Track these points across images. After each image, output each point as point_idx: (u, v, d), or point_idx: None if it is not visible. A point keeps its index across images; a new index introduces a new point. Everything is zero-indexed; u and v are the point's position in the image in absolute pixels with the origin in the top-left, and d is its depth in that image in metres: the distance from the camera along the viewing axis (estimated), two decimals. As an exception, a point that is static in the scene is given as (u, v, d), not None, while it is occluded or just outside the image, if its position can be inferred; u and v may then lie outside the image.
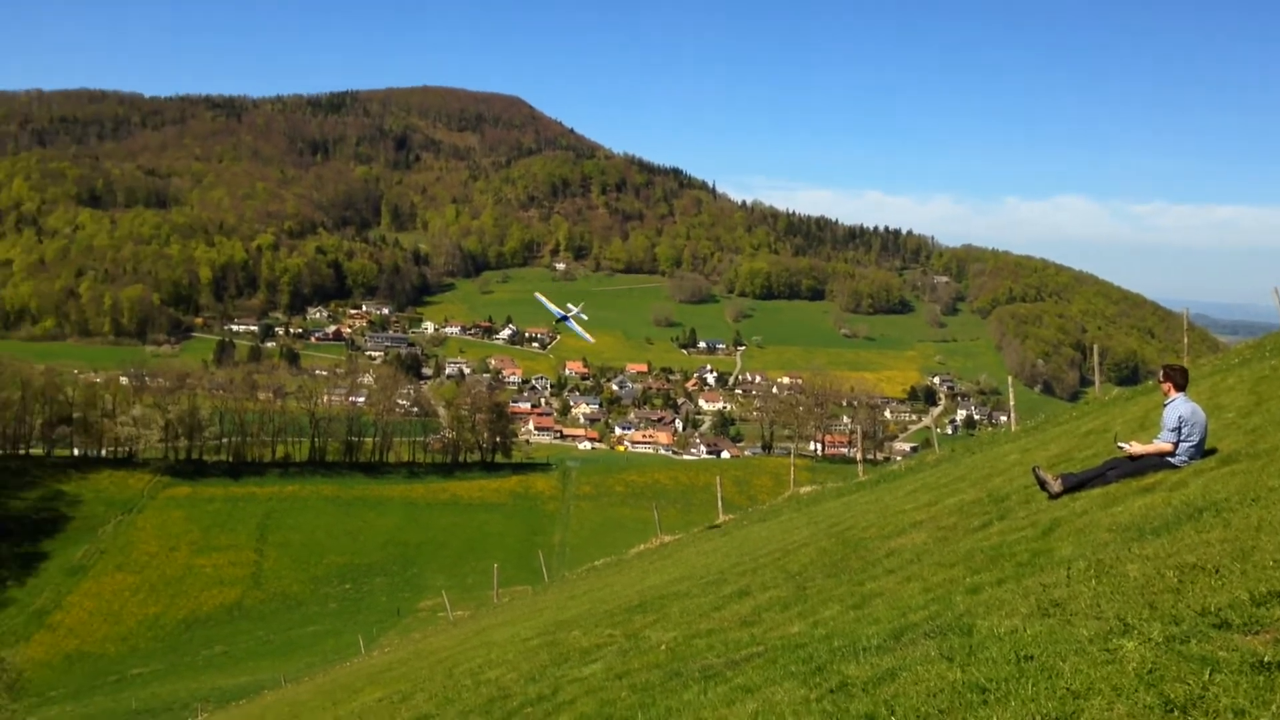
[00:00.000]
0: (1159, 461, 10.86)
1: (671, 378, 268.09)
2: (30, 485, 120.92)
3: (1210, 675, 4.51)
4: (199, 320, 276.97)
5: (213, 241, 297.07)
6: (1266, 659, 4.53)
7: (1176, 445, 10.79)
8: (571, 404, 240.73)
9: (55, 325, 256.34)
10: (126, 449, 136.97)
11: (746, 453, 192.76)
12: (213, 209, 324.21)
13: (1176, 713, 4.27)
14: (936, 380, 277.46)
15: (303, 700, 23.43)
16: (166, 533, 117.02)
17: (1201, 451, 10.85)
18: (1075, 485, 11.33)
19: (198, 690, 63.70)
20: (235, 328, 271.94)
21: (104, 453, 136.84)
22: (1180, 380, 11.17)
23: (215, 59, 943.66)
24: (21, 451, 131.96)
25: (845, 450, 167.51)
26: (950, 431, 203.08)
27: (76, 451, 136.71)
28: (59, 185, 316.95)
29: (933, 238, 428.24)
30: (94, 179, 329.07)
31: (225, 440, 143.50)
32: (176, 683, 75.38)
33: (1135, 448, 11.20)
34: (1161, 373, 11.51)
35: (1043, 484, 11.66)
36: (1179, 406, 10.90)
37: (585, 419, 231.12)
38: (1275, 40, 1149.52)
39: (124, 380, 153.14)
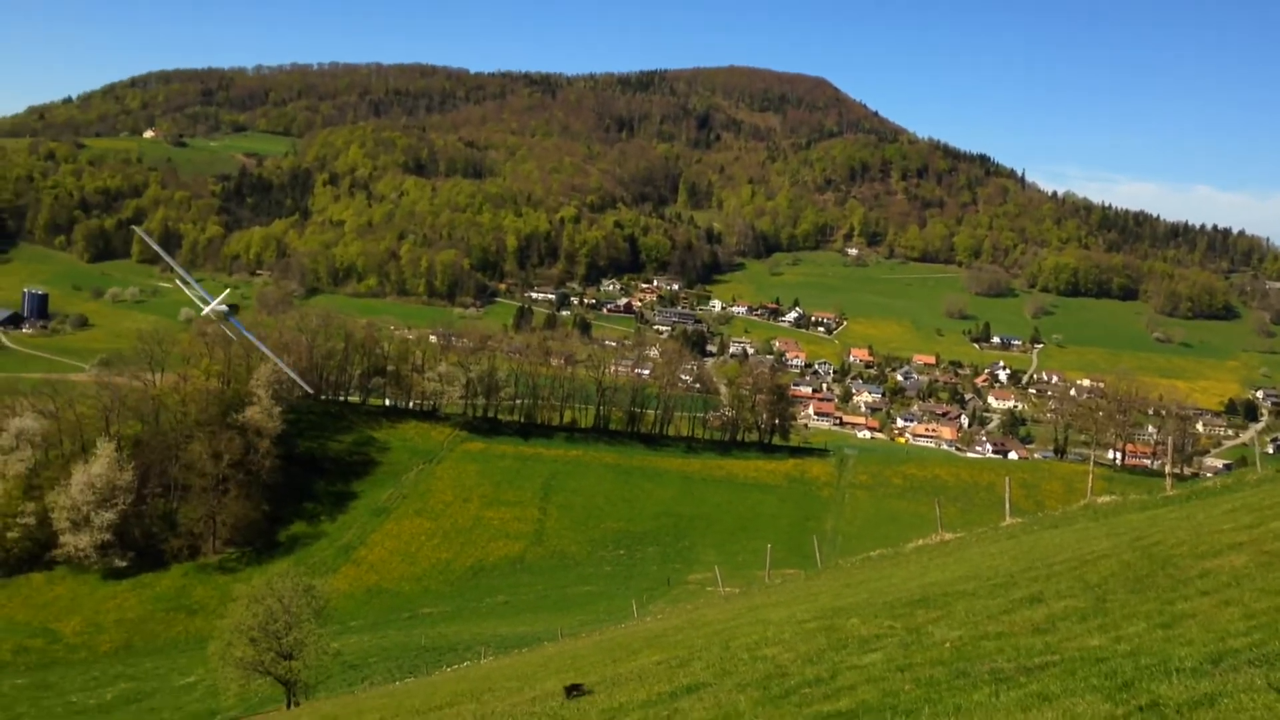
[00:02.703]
0: None
1: (960, 372, 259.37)
2: (346, 429, 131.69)
3: None
4: (502, 286, 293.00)
5: (520, 212, 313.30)
6: None
7: None
8: (853, 391, 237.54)
9: (377, 283, 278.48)
10: (431, 403, 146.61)
11: (1036, 455, 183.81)
12: (523, 181, 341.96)
13: None
14: (1259, 394, 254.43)
15: (582, 654, 24.44)
16: (461, 484, 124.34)
17: None
18: None
19: (480, 635, 67.38)
20: (534, 295, 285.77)
21: (411, 404, 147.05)
22: None
23: (536, 37, 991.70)
24: (341, 398, 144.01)
25: (1147, 462, 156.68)
26: (1272, 450, 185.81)
27: (388, 402, 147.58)
28: (389, 154, 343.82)
29: (1269, 239, 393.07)
30: (420, 149, 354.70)
31: (518, 401, 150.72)
32: (462, 625, 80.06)
33: None
34: None
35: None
36: None
37: (866, 407, 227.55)
38: None
39: (433, 338, 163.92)
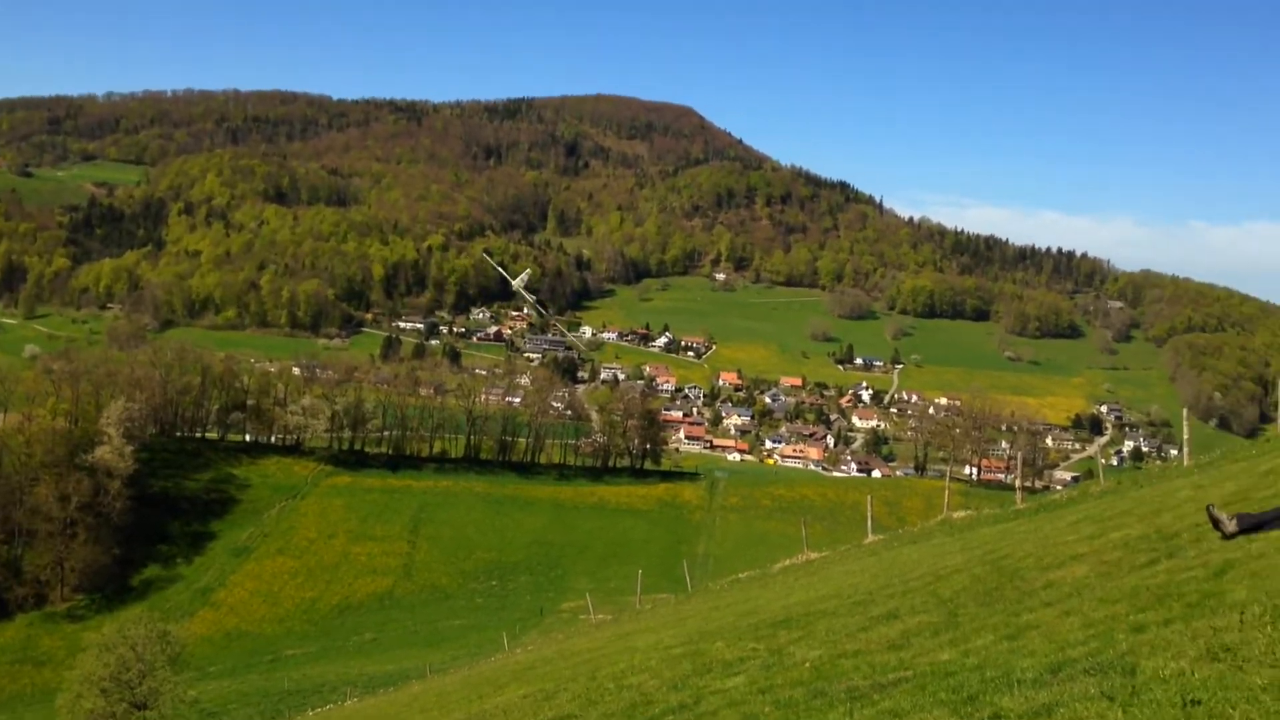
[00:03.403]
0: (1349, 507, 10.22)
1: (826, 393, 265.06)
2: (204, 467, 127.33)
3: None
4: (369, 316, 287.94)
5: (387, 240, 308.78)
6: None
7: (1369, 491, 10.14)
8: (723, 414, 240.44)
9: (236, 315, 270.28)
10: (295, 437, 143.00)
11: (898, 473, 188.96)
12: (389, 209, 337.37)
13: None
14: (1104, 409, 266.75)
15: (449, 692, 24.04)
16: (326, 520, 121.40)
17: (1398, 499, 10.16)
18: (1252, 526, 10.73)
19: (347, 675, 65.77)
20: (402, 324, 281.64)
21: (273, 439, 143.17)
22: (1377, 422, 10.49)
23: (400, 63, 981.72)
24: (198, 434, 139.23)
25: (1002, 476, 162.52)
26: (1116, 463, 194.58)
27: (248, 437, 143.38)
28: (248, 182, 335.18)
29: (1109, 261, 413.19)
30: (281, 177, 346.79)
31: (386, 433, 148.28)
32: (328, 666, 78.02)
33: (1322, 491, 10.57)
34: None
35: (1216, 523, 11.09)
36: (1374, 450, 10.23)
37: (736, 430, 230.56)
38: None
39: (296, 371, 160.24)
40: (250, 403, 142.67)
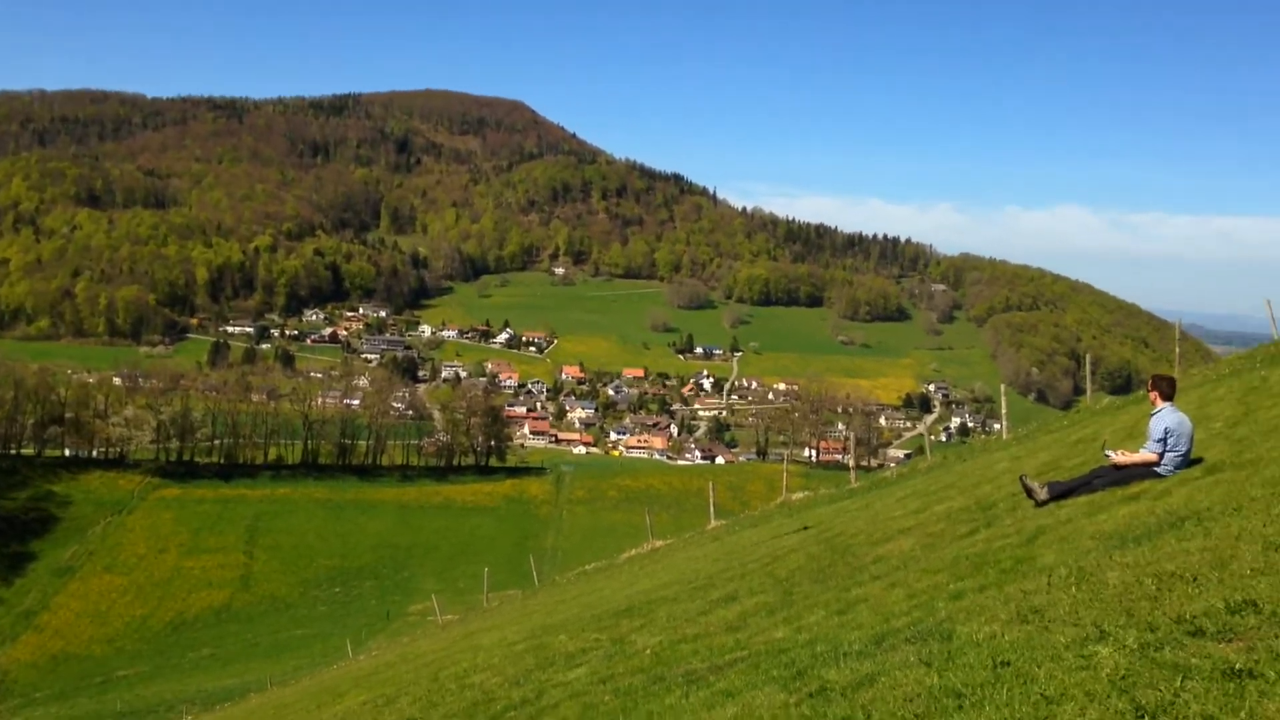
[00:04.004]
0: (1144, 471, 10.88)
1: (668, 383, 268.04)
2: (20, 485, 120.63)
3: (1182, 682, 4.52)
4: (194, 321, 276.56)
5: (210, 242, 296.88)
6: (1238, 666, 4.55)
7: (1162, 455, 10.82)
8: (567, 408, 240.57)
9: (50, 325, 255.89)
10: (118, 450, 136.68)
11: (741, 459, 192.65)
12: (211, 210, 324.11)
13: (1147, 718, 4.28)
14: (932, 388, 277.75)
15: (288, 703, 23.37)
16: (156, 534, 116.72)
17: (1187, 461, 10.88)
18: (1062, 493, 11.35)
19: (184, 692, 63.46)
20: (231, 329, 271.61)
21: (95, 453, 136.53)
22: (1167, 390, 11.20)
23: (218, 60, 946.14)
24: (13, 451, 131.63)
25: (840, 457, 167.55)
26: (945, 439, 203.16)
27: (68, 452, 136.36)
28: (58, 185, 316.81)
29: (931, 246, 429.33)
30: (93, 179, 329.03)
31: (217, 442, 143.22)
32: (163, 685, 75.08)
33: (1121, 457, 11.23)
34: (1149, 382, 11.55)
35: (1029, 492, 11.68)
36: (1165, 417, 10.92)
37: (580, 423, 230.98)
38: (1275, 51, 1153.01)
39: (117, 381, 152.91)
40: (69, 415, 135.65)
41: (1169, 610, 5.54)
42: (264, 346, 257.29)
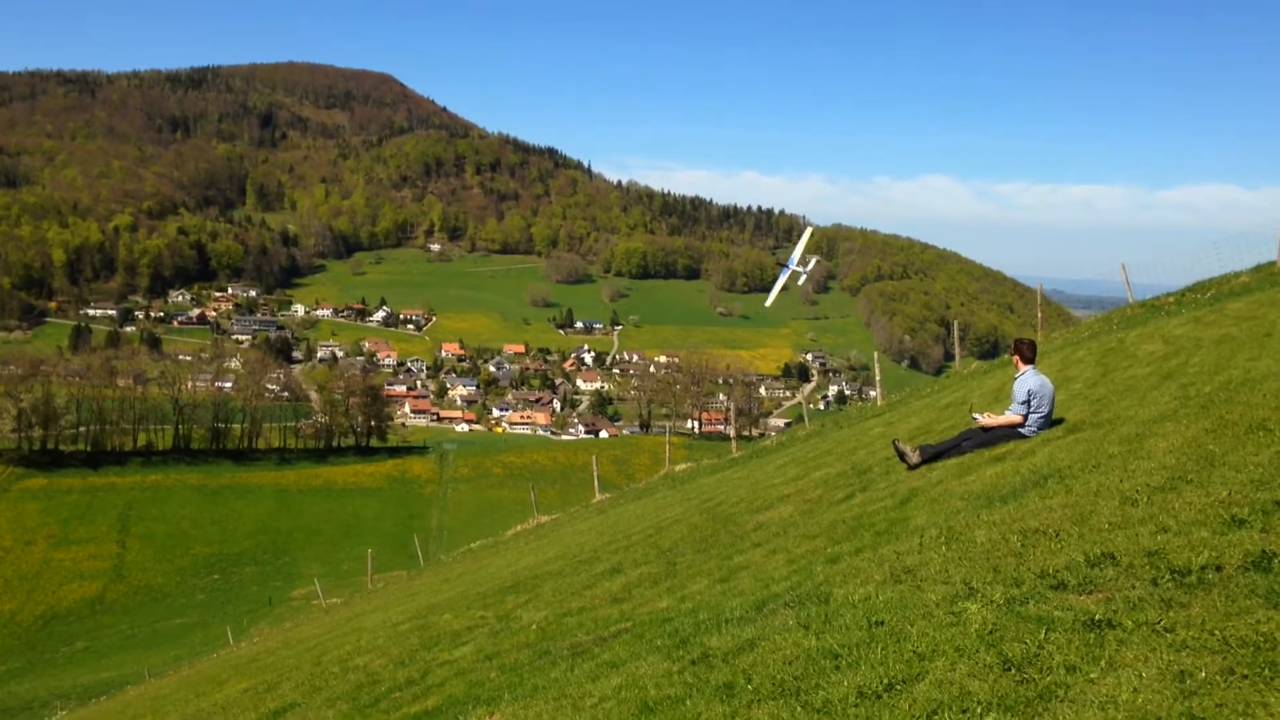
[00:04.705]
0: (1010, 432, 11.30)
1: (549, 358, 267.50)
2: None
3: (1046, 634, 4.72)
4: (53, 304, 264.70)
5: (66, 222, 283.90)
6: (1098, 617, 4.76)
7: (1026, 417, 11.24)
8: (448, 386, 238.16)
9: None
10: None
11: (625, 432, 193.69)
12: (66, 188, 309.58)
13: (1014, 670, 4.46)
14: (809, 357, 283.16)
15: (166, 694, 22.74)
16: (21, 526, 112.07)
17: (1050, 422, 11.32)
18: (933, 456, 11.71)
19: (57, 688, 61.21)
20: (92, 312, 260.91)
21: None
22: (1029, 354, 11.62)
23: (66, 32, 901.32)
24: None
25: (722, 428, 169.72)
26: (823, 407, 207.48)
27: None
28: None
29: (804, 217, 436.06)
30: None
31: (83, 429, 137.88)
32: (35, 681, 72.29)
33: (988, 419, 11.63)
34: (1012, 347, 11.97)
35: (902, 456, 12.02)
36: (1028, 379, 11.33)
37: (462, 401, 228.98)
38: (1131, 20, 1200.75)
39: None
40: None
41: (1033, 565, 5.77)
42: (128, 329, 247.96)
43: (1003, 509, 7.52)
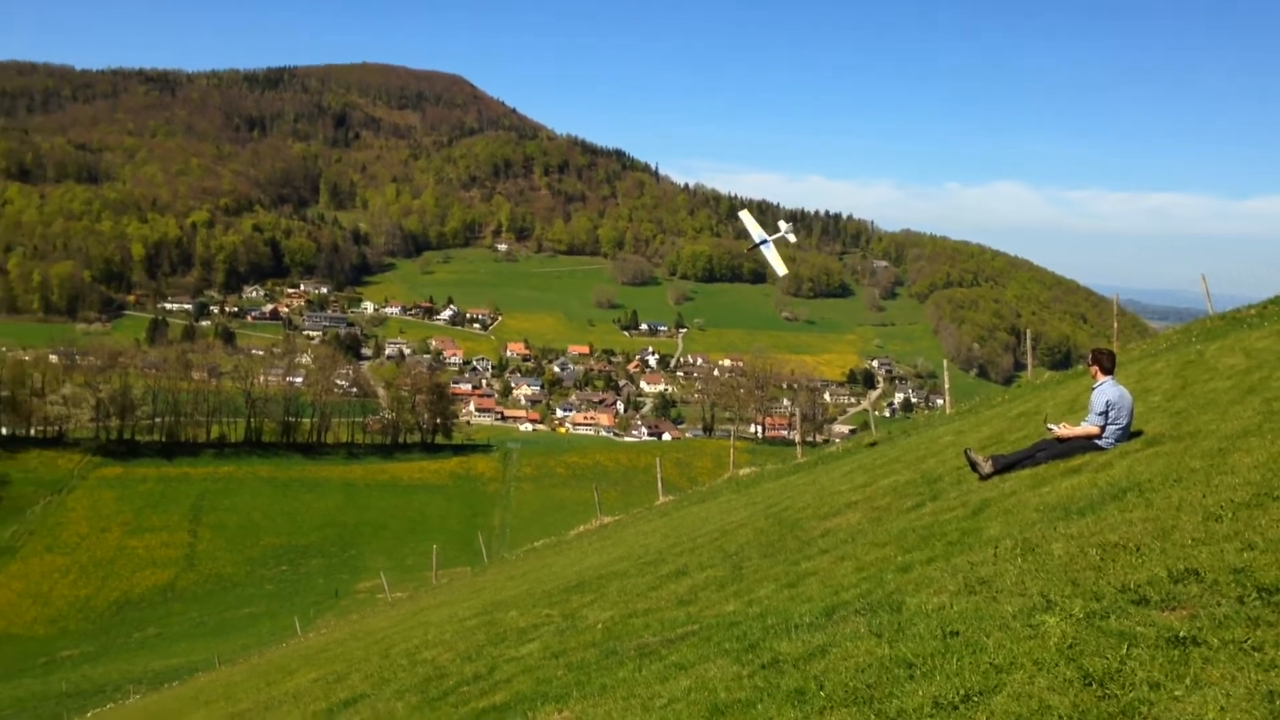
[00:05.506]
0: (1086, 444, 11.10)
1: (613, 360, 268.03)
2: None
3: (1128, 650, 4.64)
4: (131, 298, 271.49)
5: (146, 218, 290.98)
6: (1182, 634, 4.67)
7: (1103, 428, 11.03)
8: (513, 385, 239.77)
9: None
10: (56, 428, 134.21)
11: (687, 435, 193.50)
12: (146, 185, 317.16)
13: (1094, 686, 4.39)
14: (875, 363, 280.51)
15: (237, 681, 23.18)
16: (97, 514, 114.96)
17: (1128, 434, 11.10)
18: (1005, 466, 11.54)
19: (130, 672, 62.71)
20: (169, 306, 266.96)
21: (33, 432, 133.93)
22: (1108, 364, 11.41)
23: (148, 32, 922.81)
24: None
25: (785, 432, 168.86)
26: (888, 414, 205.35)
27: (4, 431, 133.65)
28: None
29: (873, 222, 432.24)
30: (23, 153, 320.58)
31: (158, 420, 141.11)
32: (108, 665, 74.13)
33: (1064, 430, 11.44)
34: (1090, 357, 11.75)
35: (974, 465, 11.87)
36: (1106, 390, 11.13)
37: (527, 400, 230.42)
38: (1209, 30, 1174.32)
39: (53, 358, 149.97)
40: (4, 394, 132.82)
41: (1113, 580, 5.67)
42: (203, 323, 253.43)
43: (1080, 522, 7.40)
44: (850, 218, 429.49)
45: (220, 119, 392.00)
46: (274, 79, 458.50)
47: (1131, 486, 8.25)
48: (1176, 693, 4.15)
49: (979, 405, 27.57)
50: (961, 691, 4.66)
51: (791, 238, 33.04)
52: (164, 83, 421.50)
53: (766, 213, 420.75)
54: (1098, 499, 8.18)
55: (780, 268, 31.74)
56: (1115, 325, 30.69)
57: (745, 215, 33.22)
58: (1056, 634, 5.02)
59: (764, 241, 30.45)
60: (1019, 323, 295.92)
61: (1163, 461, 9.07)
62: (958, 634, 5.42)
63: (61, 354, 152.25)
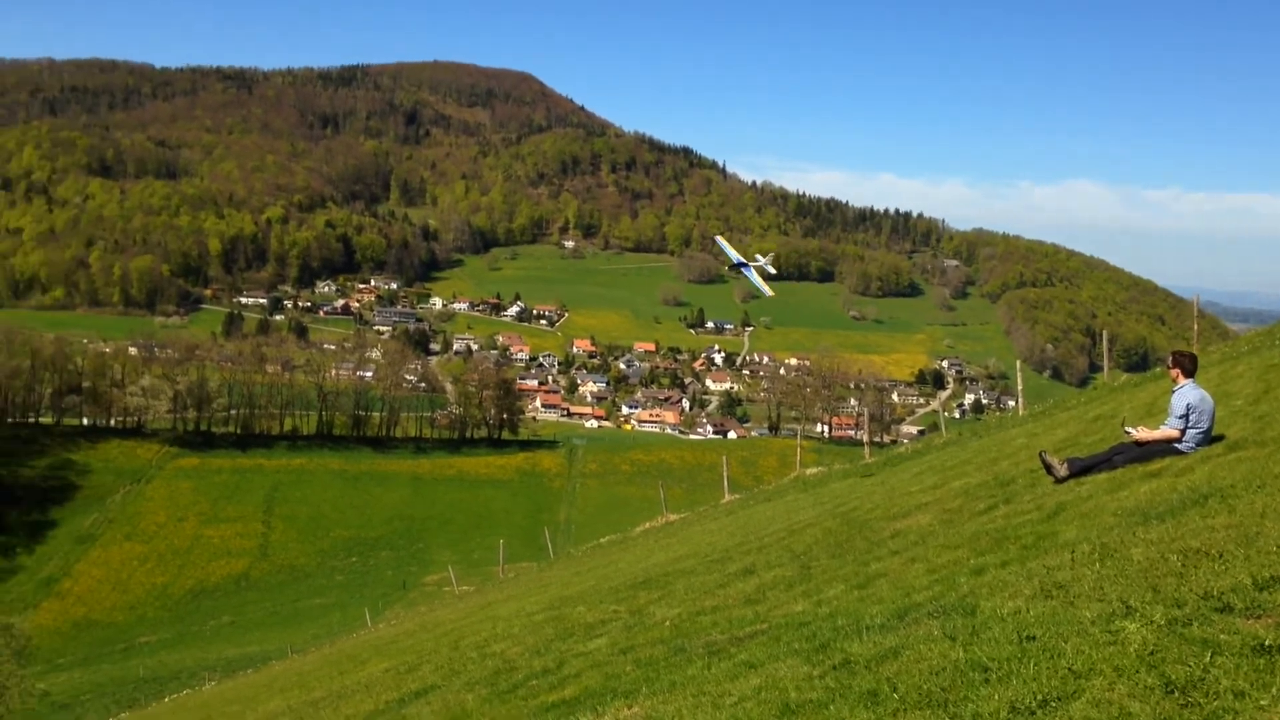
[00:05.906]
0: (1166, 447, 10.87)
1: (679, 357, 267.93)
2: (39, 453, 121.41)
3: (1211, 657, 4.55)
4: (208, 292, 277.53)
5: (222, 213, 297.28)
6: (1267, 642, 4.57)
7: (1184, 432, 10.80)
8: (579, 382, 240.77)
9: (65, 295, 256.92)
10: (135, 419, 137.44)
11: (753, 433, 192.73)
12: (222, 181, 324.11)
13: (1177, 694, 4.31)
14: (945, 364, 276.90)
15: (310, 670, 23.60)
16: (175, 503, 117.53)
17: (1209, 438, 10.86)
18: (1081, 470, 11.35)
19: (205, 659, 64.13)
20: (244, 300, 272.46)
21: (113, 422, 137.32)
22: (1189, 367, 11.17)
23: (226, 30, 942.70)
24: (31, 420, 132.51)
25: (852, 432, 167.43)
26: (958, 415, 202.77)
27: (85, 421, 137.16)
28: (69, 155, 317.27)
29: (943, 221, 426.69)
30: (104, 149, 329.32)
31: (233, 412, 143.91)
32: (184, 652, 75.85)
33: (1142, 433, 11.22)
34: (1170, 359, 11.51)
35: (1049, 468, 11.69)
36: (1187, 393, 10.90)
37: (592, 397, 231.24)
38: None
39: (133, 350, 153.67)
40: (86, 385, 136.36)
41: (1195, 586, 5.56)
42: (277, 317, 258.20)
43: (1160, 527, 7.26)
44: (920, 216, 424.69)
45: (295, 116, 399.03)
46: (347, 77, 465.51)
47: (1214, 492, 8.07)
48: (1262, 702, 4.07)
49: (1053, 407, 27.10)
50: (1039, 697, 4.60)
51: (771, 269, 33.61)
52: (241, 80, 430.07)
53: (835, 210, 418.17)
54: (1178, 504, 8.02)
55: (764, 289, 32.44)
56: (1195, 327, 29.99)
57: (721, 240, 34.21)
58: (1137, 640, 4.94)
59: (743, 264, 30.96)
60: (1094, 324, 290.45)
61: (1246, 467, 8.87)
62: (1034, 638, 5.35)
63: (140, 346, 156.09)
